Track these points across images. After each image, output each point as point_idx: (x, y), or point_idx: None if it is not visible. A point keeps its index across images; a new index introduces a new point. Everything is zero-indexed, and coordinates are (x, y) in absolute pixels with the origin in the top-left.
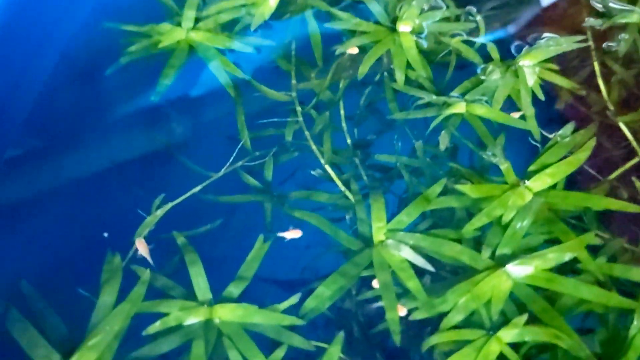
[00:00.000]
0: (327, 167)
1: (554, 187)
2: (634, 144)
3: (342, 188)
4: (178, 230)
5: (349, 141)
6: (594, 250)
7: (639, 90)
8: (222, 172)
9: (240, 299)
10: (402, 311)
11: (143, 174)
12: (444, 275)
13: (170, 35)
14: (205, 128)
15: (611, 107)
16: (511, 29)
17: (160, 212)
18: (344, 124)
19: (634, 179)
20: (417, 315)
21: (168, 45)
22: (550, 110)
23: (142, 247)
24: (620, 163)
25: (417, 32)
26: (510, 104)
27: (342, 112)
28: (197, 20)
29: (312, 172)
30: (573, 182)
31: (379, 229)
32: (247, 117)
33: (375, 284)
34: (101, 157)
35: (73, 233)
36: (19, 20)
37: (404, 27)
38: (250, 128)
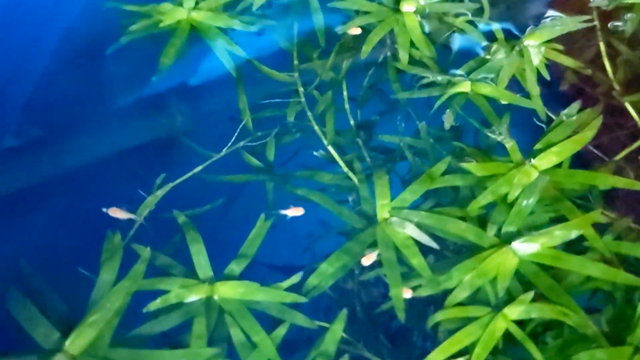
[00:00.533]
0: (330, 148)
1: (559, 165)
2: None
3: (345, 169)
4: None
5: (352, 122)
6: (600, 230)
7: None
8: (224, 152)
9: (243, 279)
10: (408, 293)
11: (146, 157)
12: (448, 255)
13: (171, 14)
14: (208, 110)
15: (617, 87)
16: (516, 9)
17: (160, 192)
18: (346, 105)
19: None
20: (422, 292)
21: (169, 24)
22: (555, 91)
23: (118, 213)
24: (626, 143)
25: (421, 12)
26: (513, 86)
27: (345, 93)
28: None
29: (315, 153)
30: (579, 163)
31: (383, 207)
32: (249, 98)
33: (364, 261)
34: (103, 140)
35: (75, 218)
36: (19, 2)
37: (407, 7)
38: (253, 109)
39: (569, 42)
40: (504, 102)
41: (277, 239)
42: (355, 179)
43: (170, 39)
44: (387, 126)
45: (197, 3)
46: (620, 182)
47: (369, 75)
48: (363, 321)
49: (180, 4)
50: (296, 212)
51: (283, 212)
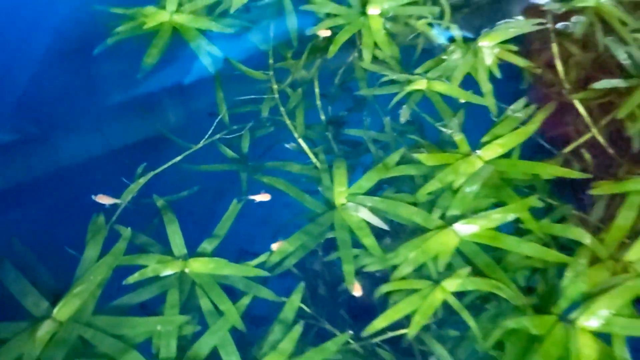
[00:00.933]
0: (300, 141)
1: (506, 156)
2: (587, 119)
3: (314, 160)
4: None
5: (322, 117)
6: (543, 215)
7: (594, 70)
8: (201, 144)
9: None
10: (358, 291)
11: (134, 152)
12: (403, 237)
13: (154, 17)
14: (189, 107)
15: (567, 86)
16: (478, 13)
17: (142, 180)
18: (318, 102)
19: (583, 151)
20: (371, 267)
21: (152, 26)
22: (517, 90)
23: (104, 199)
24: (575, 138)
25: (385, 15)
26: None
27: (316, 90)
28: (181, 3)
29: (287, 146)
30: (529, 156)
31: (340, 193)
32: (227, 95)
33: (273, 247)
34: (93, 136)
35: (67, 208)
36: (11, 3)
37: (372, 10)
38: (231, 106)
39: (528, 43)
40: (462, 100)
41: (254, 227)
42: (320, 167)
43: (153, 40)
44: (356, 121)
45: (179, 6)
46: (559, 172)
47: (339, 73)
48: (325, 297)
49: (164, 7)
50: (263, 197)
51: (251, 197)
